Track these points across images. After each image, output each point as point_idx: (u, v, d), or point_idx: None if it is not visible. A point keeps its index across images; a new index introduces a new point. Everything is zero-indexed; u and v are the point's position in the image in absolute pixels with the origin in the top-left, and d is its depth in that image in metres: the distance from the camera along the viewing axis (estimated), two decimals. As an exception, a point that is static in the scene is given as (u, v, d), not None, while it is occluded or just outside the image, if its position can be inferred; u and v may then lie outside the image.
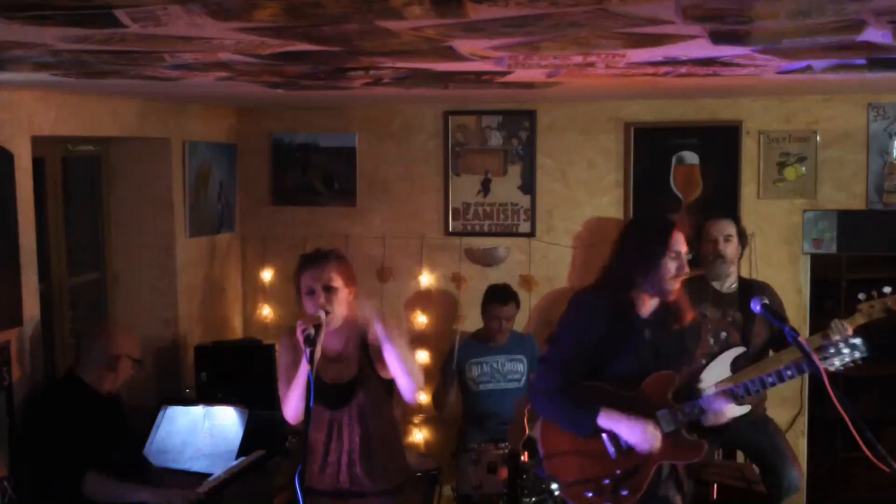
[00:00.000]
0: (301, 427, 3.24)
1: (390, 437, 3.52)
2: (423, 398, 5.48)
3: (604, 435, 3.22)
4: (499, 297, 4.93)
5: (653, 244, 3.22)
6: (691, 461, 3.32)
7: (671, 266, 3.20)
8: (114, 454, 3.88)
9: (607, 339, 3.21)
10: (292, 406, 3.28)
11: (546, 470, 3.32)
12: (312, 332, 3.11)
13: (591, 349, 3.21)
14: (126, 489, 3.73)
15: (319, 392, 3.18)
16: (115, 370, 3.98)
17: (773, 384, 3.23)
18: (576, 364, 3.22)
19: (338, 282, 3.33)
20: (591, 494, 3.22)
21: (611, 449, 3.23)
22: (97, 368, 3.96)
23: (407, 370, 3.26)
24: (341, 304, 3.33)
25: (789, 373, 3.21)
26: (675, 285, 3.22)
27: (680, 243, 3.22)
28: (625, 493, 3.22)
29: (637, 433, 3.18)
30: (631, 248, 3.30)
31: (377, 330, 3.25)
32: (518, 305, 5.01)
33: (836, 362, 3.22)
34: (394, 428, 3.59)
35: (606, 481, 3.23)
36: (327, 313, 3.23)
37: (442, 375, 5.10)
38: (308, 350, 3.07)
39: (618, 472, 3.23)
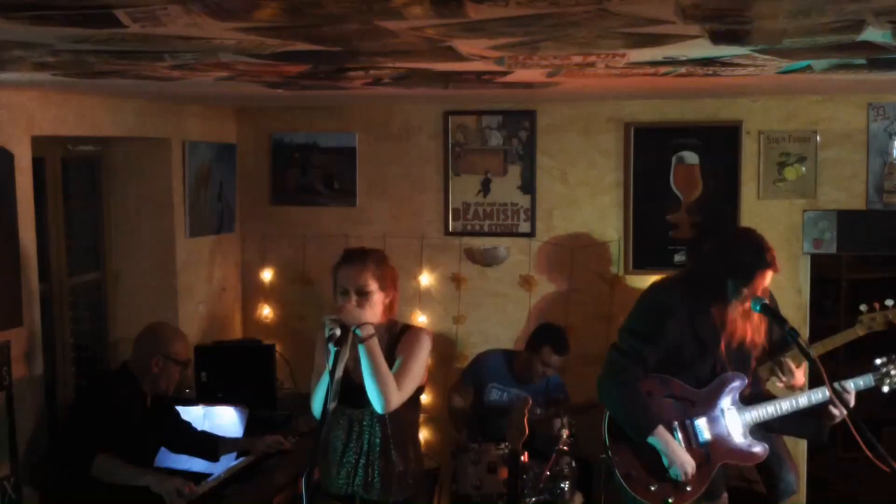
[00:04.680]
0: (316, 426, 3.20)
1: (408, 444, 3.39)
2: (424, 398, 5.47)
3: (678, 430, 3.31)
4: (556, 343, 4.74)
5: (750, 266, 3.29)
6: (751, 463, 3.42)
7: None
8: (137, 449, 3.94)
9: (687, 341, 3.26)
10: (316, 400, 3.25)
11: (613, 461, 3.39)
12: (338, 332, 3.04)
13: (670, 348, 3.26)
14: (131, 472, 3.77)
15: (344, 390, 3.14)
16: (158, 371, 4.05)
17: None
18: (652, 359, 3.32)
19: (372, 286, 3.24)
20: (654, 487, 3.29)
21: (682, 444, 3.29)
22: (143, 367, 4.04)
23: (375, 378, 3.17)
24: (374, 308, 3.25)
25: (803, 400, 3.40)
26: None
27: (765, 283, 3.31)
28: (689, 489, 3.28)
29: (679, 460, 3.32)
30: (729, 257, 3.34)
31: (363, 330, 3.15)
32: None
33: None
34: (413, 437, 3.47)
35: None
36: (345, 321, 3.12)
37: (457, 391, 5.03)
38: (333, 350, 3.02)
39: None
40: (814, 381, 4.85)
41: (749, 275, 3.26)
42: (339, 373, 3.05)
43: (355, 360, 3.24)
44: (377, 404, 3.19)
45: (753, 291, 3.27)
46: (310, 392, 3.33)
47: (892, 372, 3.46)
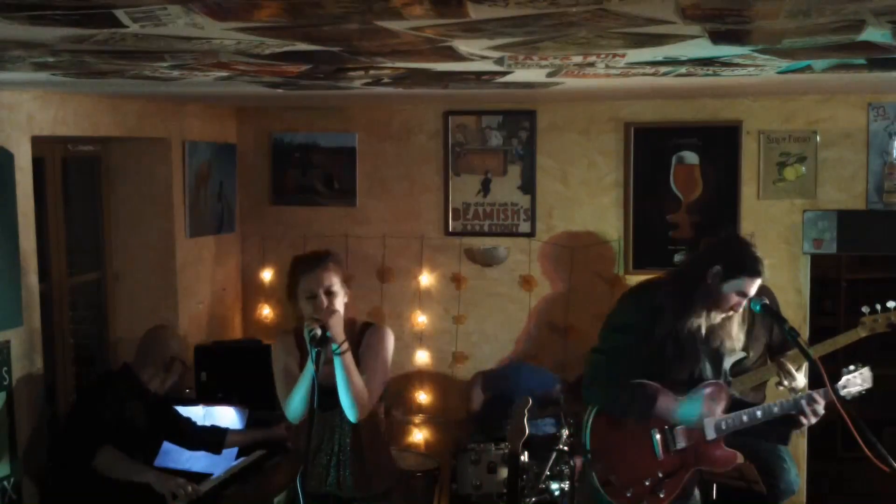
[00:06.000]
0: (303, 428, 3.22)
1: (378, 441, 3.48)
2: (424, 398, 5.48)
3: (657, 436, 3.27)
4: None
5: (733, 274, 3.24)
6: (725, 469, 3.40)
7: (732, 300, 3.26)
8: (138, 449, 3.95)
9: (668, 341, 3.25)
10: (295, 407, 3.25)
11: (592, 465, 3.38)
12: (319, 332, 3.09)
13: (652, 346, 3.24)
14: (134, 468, 3.80)
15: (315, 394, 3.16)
16: (169, 371, 4.12)
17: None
18: (636, 354, 3.29)
19: (337, 285, 3.31)
20: (629, 493, 3.28)
21: (660, 450, 3.27)
22: (153, 368, 4.09)
23: (350, 391, 3.21)
24: (342, 306, 3.31)
25: (776, 409, 3.29)
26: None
27: (753, 289, 3.26)
28: (662, 494, 3.27)
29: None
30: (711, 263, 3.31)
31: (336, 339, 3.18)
32: None
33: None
34: (380, 432, 3.57)
35: (647, 482, 3.28)
36: (325, 321, 3.16)
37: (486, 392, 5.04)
38: (315, 351, 3.06)
39: (660, 474, 3.28)
40: (814, 382, 4.86)
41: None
42: (319, 374, 3.08)
43: (326, 364, 3.26)
44: (351, 415, 3.25)
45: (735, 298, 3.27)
46: (282, 397, 3.33)
47: (852, 380, 3.38)
